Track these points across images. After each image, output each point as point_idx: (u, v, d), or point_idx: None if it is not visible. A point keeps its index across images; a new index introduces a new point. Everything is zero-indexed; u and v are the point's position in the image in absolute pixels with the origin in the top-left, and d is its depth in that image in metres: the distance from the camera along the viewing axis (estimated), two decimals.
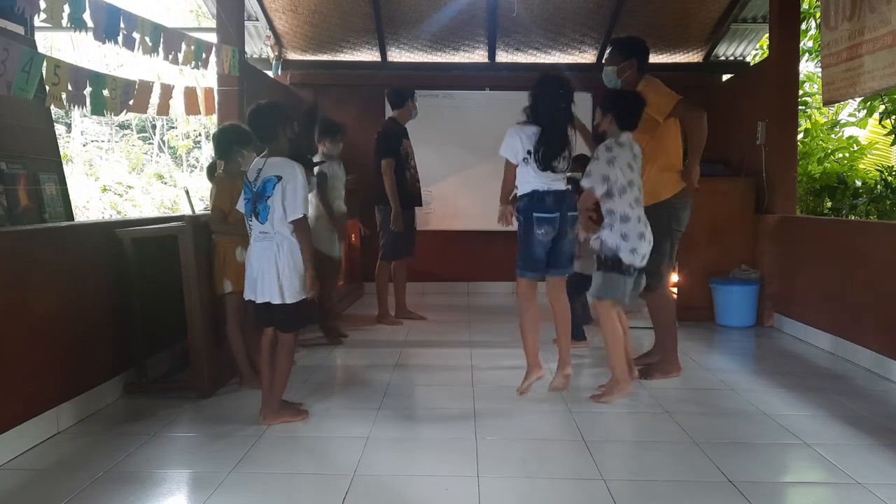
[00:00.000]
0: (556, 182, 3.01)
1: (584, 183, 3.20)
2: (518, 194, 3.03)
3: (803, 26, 5.89)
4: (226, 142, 3.52)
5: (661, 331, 3.75)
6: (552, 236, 3.02)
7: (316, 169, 4.39)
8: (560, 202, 3.01)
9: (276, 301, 2.84)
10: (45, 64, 3.01)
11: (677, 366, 3.72)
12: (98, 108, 3.43)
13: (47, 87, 3.06)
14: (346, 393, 3.49)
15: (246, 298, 2.97)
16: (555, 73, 3.07)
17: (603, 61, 3.78)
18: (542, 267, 3.07)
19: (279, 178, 2.83)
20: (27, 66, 2.90)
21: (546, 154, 2.95)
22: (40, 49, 4.41)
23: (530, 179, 3.01)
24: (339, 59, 6.79)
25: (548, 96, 3.03)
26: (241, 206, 3.03)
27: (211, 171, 3.85)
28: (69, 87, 3.21)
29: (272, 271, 2.83)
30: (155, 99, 4.02)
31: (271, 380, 2.96)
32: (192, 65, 4.29)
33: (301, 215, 2.84)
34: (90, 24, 3.30)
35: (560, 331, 3.19)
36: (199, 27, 9.63)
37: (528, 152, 2.99)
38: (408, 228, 5.10)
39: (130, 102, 3.74)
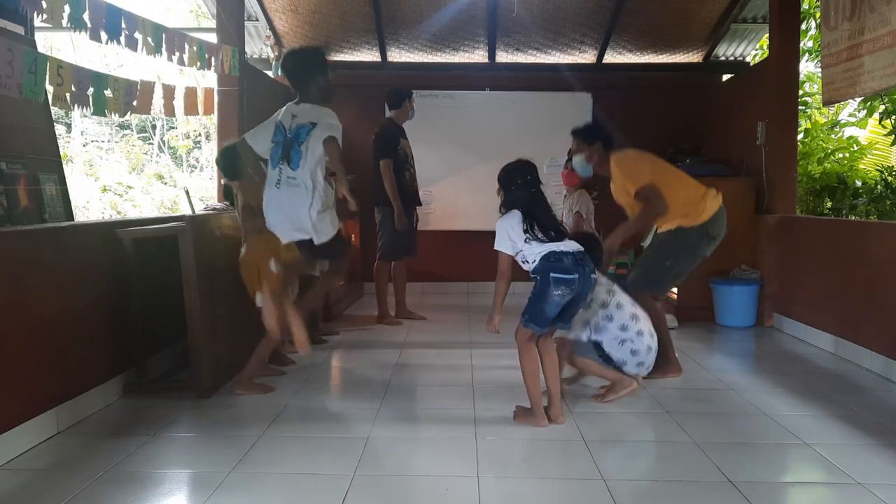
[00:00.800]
0: (570, 245, 2.85)
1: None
2: (534, 265, 2.86)
3: (803, 26, 5.89)
4: (230, 163, 3.46)
5: (660, 335, 3.76)
6: (568, 299, 2.83)
7: None
8: (580, 263, 2.80)
9: (311, 237, 3.03)
10: (48, 64, 3.02)
11: (677, 366, 3.72)
12: (100, 109, 3.44)
13: (51, 88, 3.07)
14: (346, 393, 3.49)
15: (286, 241, 3.12)
16: (519, 162, 2.97)
17: (572, 152, 3.93)
18: (548, 324, 2.86)
19: (313, 125, 2.95)
20: (32, 68, 2.90)
21: (541, 227, 2.84)
22: (40, 49, 4.41)
23: (543, 249, 2.82)
24: (339, 59, 6.78)
25: (518, 185, 2.92)
26: (266, 149, 3.10)
27: (228, 193, 3.79)
28: (73, 88, 3.22)
29: (303, 212, 2.98)
30: (158, 99, 4.02)
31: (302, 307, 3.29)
32: (198, 66, 4.30)
33: (333, 135, 2.98)
34: (90, 24, 3.30)
35: (549, 378, 2.97)
36: (199, 27, 9.63)
37: (525, 230, 2.84)
38: (408, 228, 5.10)
39: (134, 103, 3.74)
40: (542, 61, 6.80)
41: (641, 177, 3.55)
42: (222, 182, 3.67)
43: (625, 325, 3.20)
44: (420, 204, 5.34)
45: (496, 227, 2.92)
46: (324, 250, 3.19)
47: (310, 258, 3.32)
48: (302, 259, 3.40)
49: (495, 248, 2.91)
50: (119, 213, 9.72)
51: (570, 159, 4.58)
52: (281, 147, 3.00)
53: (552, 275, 2.78)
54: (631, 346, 3.19)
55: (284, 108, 3.15)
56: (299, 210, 3.00)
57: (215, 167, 5.16)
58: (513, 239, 2.87)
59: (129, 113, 3.76)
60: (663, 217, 3.60)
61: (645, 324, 3.26)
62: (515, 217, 2.88)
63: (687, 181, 3.68)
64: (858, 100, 5.79)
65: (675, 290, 5.41)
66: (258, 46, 6.67)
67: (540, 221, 2.85)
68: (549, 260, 2.80)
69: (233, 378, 3.54)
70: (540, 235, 2.82)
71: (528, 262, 2.88)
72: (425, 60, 6.82)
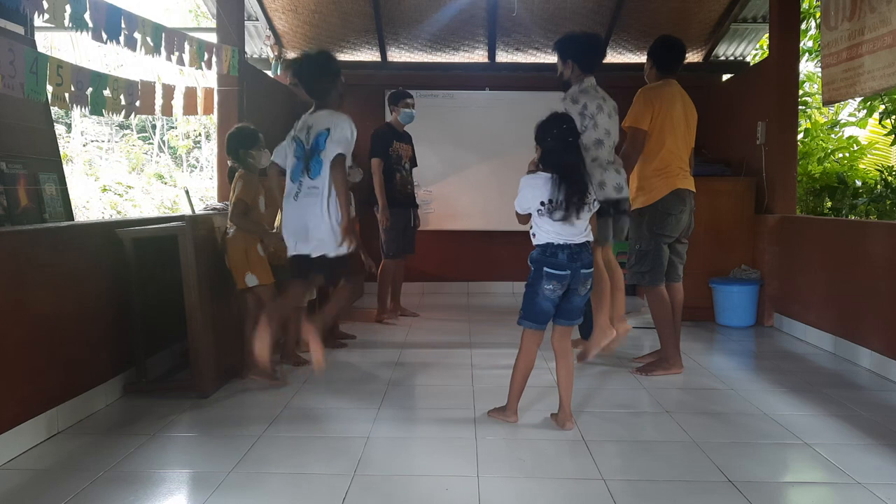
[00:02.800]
0: (574, 235, 2.79)
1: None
2: (534, 242, 2.86)
3: (803, 26, 5.89)
4: (232, 147, 3.56)
5: (658, 328, 3.80)
6: (560, 293, 2.82)
7: None
8: (574, 258, 2.78)
9: (331, 253, 2.91)
10: (48, 64, 3.01)
11: (678, 362, 3.74)
12: (98, 109, 3.43)
13: (50, 88, 3.07)
14: (346, 393, 3.49)
15: (293, 254, 3.02)
16: (553, 115, 2.88)
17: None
18: (546, 320, 2.87)
19: (329, 131, 2.91)
20: (34, 67, 2.90)
21: (568, 198, 2.74)
22: (40, 49, 4.41)
23: (546, 231, 2.81)
24: (339, 59, 6.74)
25: (553, 135, 2.81)
26: (289, 163, 3.06)
27: (232, 175, 3.81)
28: (72, 88, 3.22)
29: (324, 224, 2.90)
30: (158, 99, 4.03)
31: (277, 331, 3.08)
32: (198, 66, 4.31)
33: (341, 153, 2.90)
34: (91, 24, 3.30)
35: (563, 380, 2.92)
36: (198, 27, 9.62)
37: (542, 203, 2.77)
38: (402, 227, 5.18)
39: (137, 104, 3.74)
40: (542, 61, 6.80)
41: (641, 118, 3.61)
42: (228, 163, 3.66)
43: (595, 157, 3.38)
44: (416, 206, 5.38)
45: (521, 183, 2.86)
46: (338, 264, 3.00)
47: (317, 276, 3.11)
48: (302, 281, 3.23)
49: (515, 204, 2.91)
50: (119, 213, 9.71)
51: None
52: (302, 161, 2.97)
53: (545, 269, 2.80)
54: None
55: (301, 120, 3.11)
56: (318, 218, 2.92)
57: (216, 166, 5.19)
58: (527, 201, 2.83)
59: (133, 114, 3.76)
60: (634, 163, 3.67)
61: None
62: (538, 182, 2.80)
63: (677, 150, 3.70)
64: (858, 100, 5.79)
65: None
66: (258, 46, 6.67)
67: (572, 194, 2.75)
68: (546, 253, 2.81)
69: (232, 378, 3.55)
70: (565, 213, 2.74)
71: (532, 233, 2.88)
72: (425, 60, 6.82)
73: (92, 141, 11.68)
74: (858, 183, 5.99)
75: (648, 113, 3.62)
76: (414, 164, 5.37)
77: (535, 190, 2.80)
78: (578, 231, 2.81)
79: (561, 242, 2.79)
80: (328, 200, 2.91)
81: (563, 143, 2.81)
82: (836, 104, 5.73)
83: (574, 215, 2.76)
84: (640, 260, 3.73)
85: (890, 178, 5.71)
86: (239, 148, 3.53)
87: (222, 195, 4.96)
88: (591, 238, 2.87)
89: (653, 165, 3.66)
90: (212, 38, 4.87)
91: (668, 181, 3.66)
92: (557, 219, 2.76)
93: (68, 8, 3.11)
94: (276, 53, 6.49)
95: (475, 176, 6.56)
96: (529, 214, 2.86)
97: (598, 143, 3.49)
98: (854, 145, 6.32)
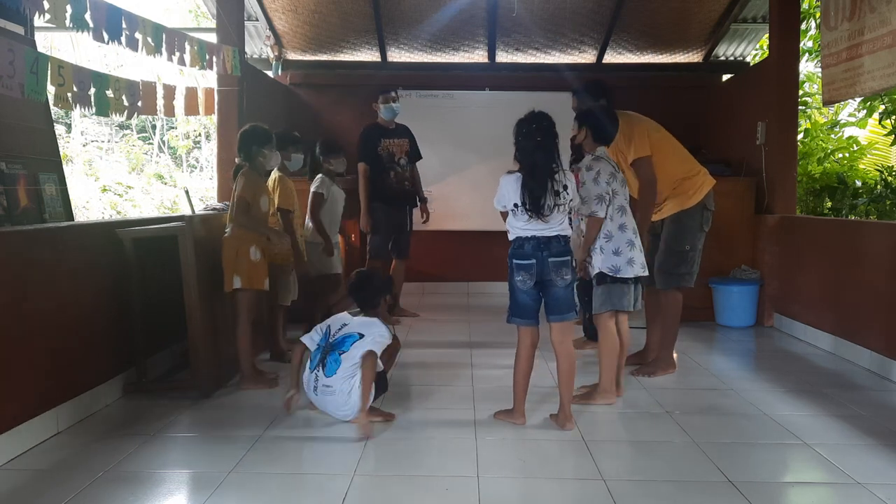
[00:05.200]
0: (542, 229, 2.80)
1: (584, 211, 3.18)
2: (509, 239, 2.92)
3: (803, 26, 5.89)
4: (245, 144, 3.51)
5: (665, 328, 3.78)
6: (532, 283, 2.83)
7: (314, 187, 4.38)
8: (541, 248, 2.80)
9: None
10: (49, 65, 3.01)
11: (673, 363, 3.79)
12: (103, 109, 3.44)
13: (53, 89, 3.07)
14: None
15: None
16: (529, 113, 2.88)
17: (572, 106, 3.83)
18: (531, 315, 2.89)
19: (361, 336, 2.93)
20: (34, 68, 2.90)
21: (532, 199, 2.76)
22: (40, 49, 4.41)
23: (515, 226, 2.86)
24: (339, 59, 6.79)
25: (523, 135, 2.83)
26: (310, 346, 3.07)
27: (237, 174, 3.80)
28: (74, 88, 3.22)
29: (343, 412, 2.93)
30: (159, 100, 4.03)
31: None
32: (199, 66, 4.31)
33: (374, 350, 2.91)
34: (92, 24, 3.30)
35: (562, 379, 2.92)
36: (198, 27, 9.62)
37: (515, 205, 2.81)
38: (395, 227, 5.18)
39: (139, 104, 3.74)
40: (542, 61, 6.80)
41: (642, 146, 3.54)
42: (236, 161, 3.65)
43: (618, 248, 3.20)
44: (415, 205, 5.36)
45: (500, 181, 2.89)
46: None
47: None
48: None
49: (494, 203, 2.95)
50: (119, 213, 9.71)
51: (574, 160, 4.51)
52: (320, 352, 2.98)
53: (514, 261, 2.86)
54: (610, 247, 3.19)
55: (341, 314, 3.14)
56: (338, 409, 2.94)
57: (216, 166, 5.18)
58: (502, 200, 2.88)
59: (135, 115, 3.77)
60: (655, 190, 3.58)
61: (620, 219, 3.22)
62: (511, 183, 2.83)
63: (684, 156, 3.71)
64: (858, 100, 5.79)
65: None
66: (258, 46, 6.67)
67: (534, 192, 2.75)
68: (514, 246, 2.87)
69: (233, 377, 3.55)
70: (530, 212, 2.77)
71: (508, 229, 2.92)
72: (425, 60, 6.82)
73: (92, 141, 11.68)
74: (858, 183, 5.99)
75: (645, 137, 3.57)
76: (417, 157, 5.34)
77: (508, 190, 2.84)
78: (549, 226, 2.82)
79: (528, 235, 2.84)
80: (347, 396, 2.89)
81: (532, 142, 2.81)
82: (836, 104, 5.73)
83: (543, 216, 2.77)
84: (684, 261, 3.68)
85: (890, 178, 5.71)
86: (252, 144, 3.49)
87: (222, 195, 4.96)
88: (564, 233, 2.88)
89: (686, 168, 3.67)
90: (212, 38, 4.87)
91: (707, 177, 3.70)
92: (531, 216, 2.78)
93: (69, 8, 3.11)
94: (276, 53, 6.49)
95: (475, 176, 6.55)
96: (507, 212, 2.91)
97: (622, 209, 3.28)
98: (854, 145, 6.32)
